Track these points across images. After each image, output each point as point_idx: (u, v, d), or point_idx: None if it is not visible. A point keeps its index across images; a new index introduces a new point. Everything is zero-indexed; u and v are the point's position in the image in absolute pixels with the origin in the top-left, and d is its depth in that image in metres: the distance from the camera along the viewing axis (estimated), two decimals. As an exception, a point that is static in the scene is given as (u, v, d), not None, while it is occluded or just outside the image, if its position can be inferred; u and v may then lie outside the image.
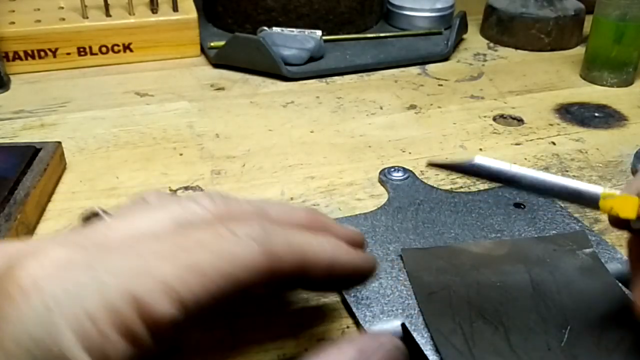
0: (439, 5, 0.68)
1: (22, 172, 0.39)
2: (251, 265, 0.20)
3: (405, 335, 0.29)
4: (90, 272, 0.18)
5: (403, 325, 0.29)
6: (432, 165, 0.26)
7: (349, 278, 0.25)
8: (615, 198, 0.25)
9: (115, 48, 0.60)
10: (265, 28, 0.62)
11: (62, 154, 0.43)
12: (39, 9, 0.60)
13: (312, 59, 0.60)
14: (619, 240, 0.36)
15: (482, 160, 0.25)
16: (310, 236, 0.23)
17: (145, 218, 0.21)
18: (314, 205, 0.39)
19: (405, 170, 0.42)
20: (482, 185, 0.42)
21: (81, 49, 0.59)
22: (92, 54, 0.60)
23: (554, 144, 0.48)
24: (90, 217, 0.24)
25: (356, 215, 0.37)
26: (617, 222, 0.26)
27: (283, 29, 0.62)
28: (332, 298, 0.32)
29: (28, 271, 0.17)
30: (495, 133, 0.49)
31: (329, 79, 0.59)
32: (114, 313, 0.17)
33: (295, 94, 0.56)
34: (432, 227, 0.36)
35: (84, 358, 0.17)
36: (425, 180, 0.41)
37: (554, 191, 0.25)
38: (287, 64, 0.58)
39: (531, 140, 0.48)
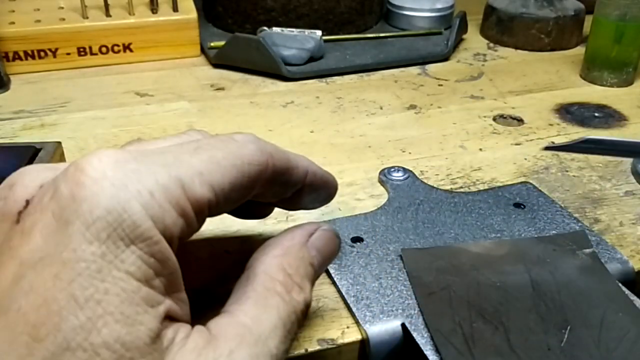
0: (439, 5, 0.68)
1: (22, 172, 0.39)
2: (254, 159, 0.23)
3: (405, 335, 0.29)
4: (141, 164, 0.21)
5: (403, 325, 0.29)
6: (548, 149, 0.32)
7: (320, 190, 0.29)
8: None
9: (115, 48, 0.60)
10: (265, 28, 0.62)
11: (62, 154, 0.43)
12: (38, 9, 0.60)
13: (312, 59, 0.60)
14: (619, 240, 0.36)
15: (593, 137, 0.30)
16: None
17: (165, 141, 0.25)
18: (314, 205, 0.39)
19: (405, 170, 0.42)
20: (482, 185, 0.42)
21: (81, 49, 0.59)
22: (92, 54, 0.60)
23: (554, 144, 0.48)
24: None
25: (356, 215, 0.37)
26: None
27: (283, 29, 0.62)
28: (332, 298, 0.32)
29: (92, 165, 0.20)
30: (495, 133, 0.49)
31: (329, 79, 0.59)
32: (168, 191, 0.20)
33: (295, 94, 0.56)
34: (432, 227, 0.36)
35: (148, 221, 0.20)
36: (425, 181, 0.41)
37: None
38: (287, 64, 0.58)
39: (531, 140, 0.48)
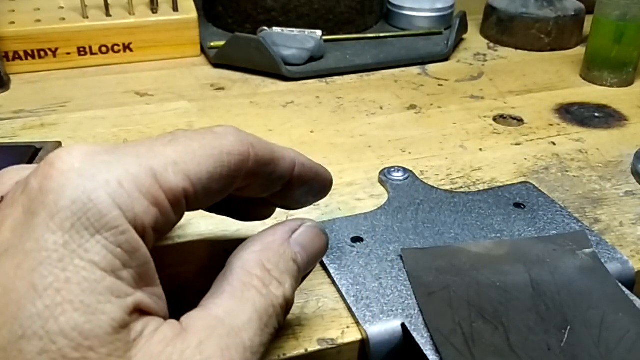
0: (439, 5, 0.68)
1: (22, 172, 0.39)
2: (233, 149, 0.23)
3: (405, 335, 0.29)
4: (112, 155, 0.21)
5: (403, 325, 0.29)
6: None
7: (312, 182, 0.28)
8: None
9: (115, 48, 0.60)
10: (265, 28, 0.62)
11: (62, 153, 0.43)
12: (39, 9, 0.60)
13: (312, 58, 0.60)
14: (619, 240, 0.36)
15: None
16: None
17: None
18: (314, 205, 0.39)
19: (405, 170, 0.42)
20: (482, 185, 0.42)
21: (81, 49, 0.59)
22: (92, 53, 0.60)
23: (554, 144, 0.48)
24: None
25: (356, 215, 0.37)
26: None
27: (283, 29, 0.62)
28: (332, 298, 0.32)
29: (61, 158, 0.20)
30: (495, 133, 0.49)
31: (329, 79, 0.59)
32: (138, 181, 0.20)
33: (295, 94, 0.56)
34: (432, 227, 0.36)
35: (116, 210, 0.19)
36: (425, 181, 0.41)
37: None
38: (287, 63, 0.58)
39: (531, 140, 0.48)
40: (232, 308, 0.22)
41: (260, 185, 0.26)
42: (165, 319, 0.21)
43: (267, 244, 0.25)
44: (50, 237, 0.19)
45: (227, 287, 0.23)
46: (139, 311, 0.20)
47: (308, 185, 0.28)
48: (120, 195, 0.20)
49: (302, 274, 0.26)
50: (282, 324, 0.24)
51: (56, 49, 0.58)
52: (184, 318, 0.22)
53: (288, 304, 0.25)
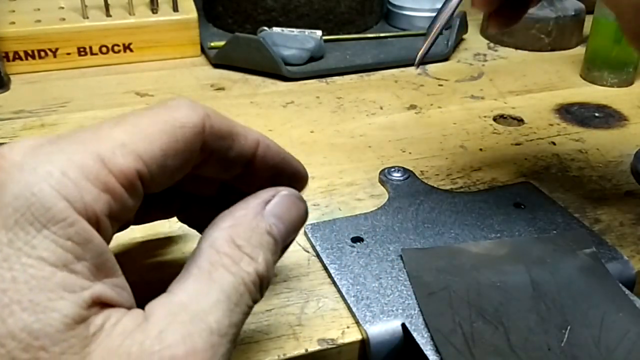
0: (438, 5, 0.68)
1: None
2: (187, 121, 0.22)
3: (406, 335, 0.29)
4: (55, 145, 0.20)
5: (403, 325, 0.29)
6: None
7: (280, 170, 0.26)
8: None
9: (116, 48, 0.60)
10: (266, 28, 0.62)
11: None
12: (39, 9, 0.60)
13: (312, 59, 0.60)
14: (619, 240, 0.36)
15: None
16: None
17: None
18: (314, 205, 0.39)
19: (405, 170, 0.42)
20: (482, 185, 0.42)
21: (81, 49, 0.59)
22: (92, 54, 0.60)
23: (554, 144, 0.48)
24: None
25: (356, 215, 0.37)
26: None
27: (283, 29, 0.62)
28: (332, 298, 0.32)
29: (3, 156, 0.19)
30: (495, 133, 0.49)
31: (329, 79, 0.59)
32: (84, 168, 0.19)
33: (295, 94, 0.56)
34: (432, 227, 0.36)
35: (61, 202, 0.19)
36: (425, 181, 0.41)
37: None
38: (287, 64, 0.58)
39: (531, 140, 0.48)
40: (197, 291, 0.21)
41: (219, 162, 0.24)
42: (131, 308, 0.21)
43: (237, 218, 0.24)
44: None
45: (194, 270, 0.22)
46: (100, 304, 0.19)
47: (274, 170, 0.26)
48: (65, 186, 0.19)
49: (280, 246, 0.25)
50: (257, 300, 0.23)
51: (56, 49, 0.58)
52: (147, 306, 0.21)
53: (263, 279, 0.23)
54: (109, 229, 0.20)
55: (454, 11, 0.35)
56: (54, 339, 0.18)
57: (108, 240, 0.20)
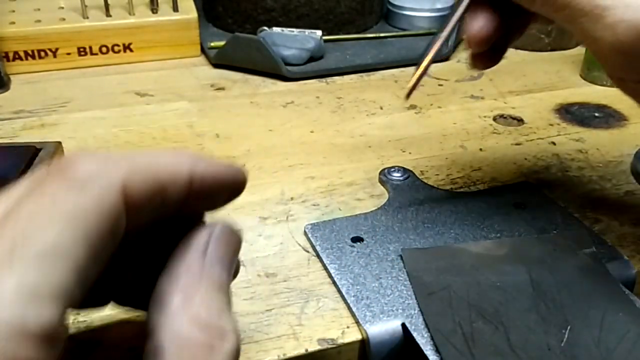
0: (438, 5, 0.68)
1: (22, 172, 0.39)
2: (101, 210, 0.18)
3: (405, 335, 0.29)
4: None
5: (403, 325, 0.29)
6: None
7: (218, 190, 0.23)
8: None
9: (116, 48, 0.60)
10: (266, 28, 0.62)
11: (63, 154, 0.43)
12: (39, 9, 0.60)
13: (312, 59, 0.60)
14: (619, 240, 0.36)
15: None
16: (159, 154, 0.21)
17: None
18: (314, 205, 0.39)
19: (405, 170, 0.42)
20: (482, 185, 0.42)
21: (81, 49, 0.59)
22: (92, 54, 0.60)
23: (554, 144, 0.48)
24: None
25: (356, 215, 0.37)
26: None
27: (283, 29, 0.62)
28: (332, 298, 0.32)
29: None
30: (495, 133, 0.49)
31: (329, 79, 0.59)
32: None
33: (295, 94, 0.56)
34: (432, 227, 0.36)
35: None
36: (425, 181, 0.41)
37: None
38: (287, 64, 0.58)
39: (531, 140, 0.48)
40: None
41: (151, 219, 0.21)
42: None
43: (186, 289, 0.20)
44: None
45: None
46: None
47: (212, 190, 0.23)
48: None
49: (228, 289, 0.22)
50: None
51: (56, 49, 0.58)
52: None
53: (238, 347, 0.20)
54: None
55: (443, 42, 0.36)
56: None
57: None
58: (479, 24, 0.33)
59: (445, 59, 0.63)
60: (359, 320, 0.30)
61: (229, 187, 0.23)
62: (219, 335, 0.19)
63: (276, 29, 0.62)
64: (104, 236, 0.18)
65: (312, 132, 0.49)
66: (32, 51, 0.58)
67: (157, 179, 0.20)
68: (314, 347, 0.29)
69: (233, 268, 0.22)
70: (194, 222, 0.23)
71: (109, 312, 0.29)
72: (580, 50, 0.64)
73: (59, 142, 0.43)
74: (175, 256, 0.21)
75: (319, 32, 0.61)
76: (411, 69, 0.61)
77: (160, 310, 0.19)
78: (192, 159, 0.21)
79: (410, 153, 0.46)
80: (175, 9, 0.61)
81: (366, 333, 0.29)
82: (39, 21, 0.58)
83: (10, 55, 0.57)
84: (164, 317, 0.19)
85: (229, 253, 0.22)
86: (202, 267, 0.21)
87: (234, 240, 0.23)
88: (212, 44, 0.62)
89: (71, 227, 0.17)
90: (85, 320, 0.29)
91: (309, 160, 0.44)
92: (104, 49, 0.60)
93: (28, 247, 0.16)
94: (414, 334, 0.29)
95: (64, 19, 0.59)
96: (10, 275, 0.16)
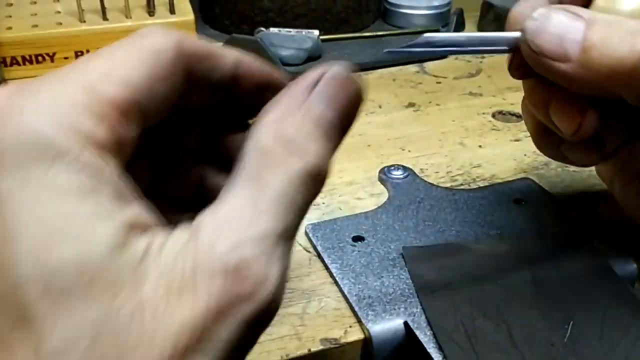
0: (435, 3, 0.68)
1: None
2: (161, 46, 0.21)
3: (408, 333, 0.29)
4: (41, 84, 0.19)
5: (405, 323, 0.29)
6: (389, 52, 0.28)
7: (267, 85, 0.24)
8: None
9: (113, 51, 0.60)
10: (263, 29, 0.62)
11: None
12: (36, 14, 0.60)
13: (310, 58, 0.60)
14: (619, 236, 0.36)
15: (433, 35, 0.27)
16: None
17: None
18: (314, 205, 0.39)
19: (405, 168, 0.42)
20: (482, 182, 0.42)
21: (79, 53, 0.59)
22: (89, 57, 0.60)
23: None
24: None
25: (357, 214, 0.37)
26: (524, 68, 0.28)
27: (280, 29, 0.62)
28: (334, 297, 0.32)
29: None
30: (494, 129, 0.49)
31: (327, 79, 0.59)
32: (75, 101, 0.19)
33: (294, 94, 0.56)
34: (433, 225, 0.36)
35: (59, 134, 0.18)
36: (425, 178, 0.41)
37: (476, 43, 0.27)
38: (285, 64, 0.58)
39: (530, 136, 0.48)
40: (246, 197, 0.19)
41: (203, 89, 0.23)
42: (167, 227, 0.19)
43: (282, 111, 0.21)
44: (2, 184, 0.17)
45: (242, 175, 0.20)
46: (137, 228, 0.18)
47: (260, 86, 0.24)
48: (61, 120, 0.18)
49: (335, 132, 0.23)
50: (316, 195, 0.21)
51: (54, 54, 0.58)
52: (195, 221, 0.19)
53: (319, 171, 0.21)
54: (117, 158, 0.19)
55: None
56: (102, 269, 0.17)
57: (117, 171, 0.19)
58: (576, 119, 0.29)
59: (443, 56, 0.63)
60: (362, 320, 0.30)
61: (273, 87, 0.24)
62: (299, 154, 0.20)
63: (273, 30, 0.62)
64: (165, 66, 0.21)
65: (311, 132, 0.49)
66: (30, 56, 0.58)
67: (208, 48, 0.23)
68: (316, 347, 0.29)
69: (342, 117, 0.23)
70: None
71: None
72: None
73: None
74: (283, 90, 0.22)
75: (316, 32, 0.61)
76: (410, 67, 0.61)
77: (254, 125, 0.21)
78: (241, 53, 0.24)
79: (409, 151, 0.46)
80: (172, 11, 0.61)
81: (369, 332, 0.29)
82: (36, 26, 0.58)
83: (8, 60, 0.57)
84: (255, 129, 0.21)
85: (340, 96, 0.22)
86: (304, 98, 0.21)
87: (347, 86, 0.23)
88: (210, 46, 0.62)
89: (139, 54, 0.21)
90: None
91: (309, 160, 0.44)
92: (101, 53, 0.60)
93: (114, 59, 0.21)
94: (417, 332, 0.29)
95: (60, 24, 0.59)
96: (98, 64, 0.20)
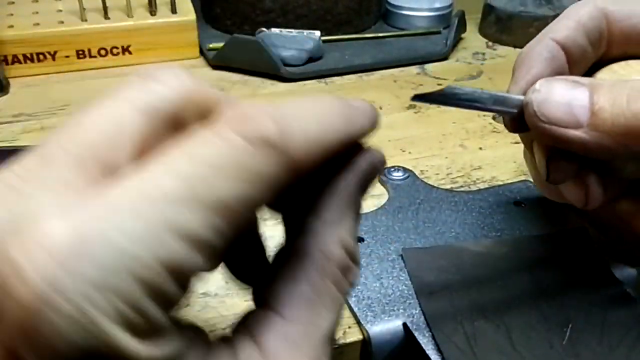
0: (437, 5, 0.68)
1: (22, 175, 0.39)
2: (272, 180, 0.17)
3: (407, 334, 0.29)
4: (103, 246, 0.14)
5: (404, 324, 0.29)
6: (416, 98, 0.27)
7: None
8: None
9: (114, 50, 0.60)
10: (264, 29, 0.62)
11: (62, 157, 0.43)
12: (37, 12, 0.60)
13: (311, 59, 0.60)
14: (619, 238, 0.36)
15: (456, 87, 0.27)
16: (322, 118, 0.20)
17: (98, 116, 0.17)
18: (315, 205, 0.39)
19: (405, 170, 0.42)
20: (482, 184, 0.42)
21: (80, 52, 0.59)
22: (91, 56, 0.60)
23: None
24: None
25: (357, 215, 0.37)
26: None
27: (281, 30, 0.62)
28: (333, 298, 0.32)
29: (31, 265, 0.14)
30: (494, 132, 0.49)
31: (328, 80, 0.59)
32: (147, 285, 0.15)
33: (295, 94, 0.56)
34: (433, 227, 0.36)
35: (129, 341, 0.15)
36: (425, 180, 0.41)
37: (485, 100, 0.27)
38: (286, 64, 0.58)
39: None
40: (311, 314, 0.19)
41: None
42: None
43: (340, 210, 0.20)
44: None
45: (304, 285, 0.19)
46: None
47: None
48: (129, 319, 0.15)
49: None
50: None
51: (55, 52, 0.58)
52: (258, 334, 0.18)
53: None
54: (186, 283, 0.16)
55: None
56: None
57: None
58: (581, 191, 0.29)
59: (444, 58, 0.63)
60: (361, 321, 0.30)
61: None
62: (354, 261, 0.20)
63: (274, 30, 0.62)
64: (258, 205, 0.17)
65: (311, 132, 0.49)
66: (31, 54, 0.58)
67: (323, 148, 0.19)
68: (315, 347, 0.29)
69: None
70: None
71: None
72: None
73: (59, 145, 0.43)
74: (334, 183, 0.21)
75: (317, 33, 0.61)
76: (411, 68, 0.61)
77: (315, 219, 0.20)
78: (345, 122, 0.21)
79: (410, 153, 0.46)
80: (174, 10, 0.61)
81: (368, 333, 0.29)
82: (37, 24, 0.58)
83: (9, 58, 0.57)
84: (316, 224, 0.20)
85: (371, 185, 0.23)
86: (355, 194, 0.21)
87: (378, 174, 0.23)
88: (211, 46, 0.62)
89: (241, 192, 0.16)
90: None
91: (309, 160, 0.44)
92: (102, 52, 0.60)
93: (205, 192, 0.16)
94: (416, 334, 0.29)
95: (62, 22, 0.59)
96: (183, 215, 0.15)
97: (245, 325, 0.19)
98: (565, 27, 0.31)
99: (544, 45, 0.31)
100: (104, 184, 0.15)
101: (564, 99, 0.26)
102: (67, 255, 0.14)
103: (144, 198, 0.15)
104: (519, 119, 0.28)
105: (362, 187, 0.22)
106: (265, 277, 0.20)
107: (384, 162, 0.24)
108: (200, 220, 0.15)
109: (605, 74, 0.31)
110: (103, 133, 0.17)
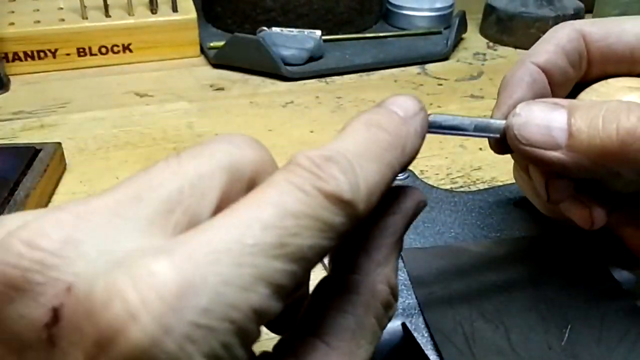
0: (438, 5, 0.68)
1: (22, 173, 0.39)
2: (342, 231, 0.18)
3: (406, 334, 0.29)
4: (206, 290, 0.15)
5: (403, 324, 0.29)
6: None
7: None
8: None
9: (115, 48, 0.60)
10: (265, 28, 0.62)
11: (62, 154, 0.44)
12: (38, 10, 0.60)
13: (311, 58, 0.60)
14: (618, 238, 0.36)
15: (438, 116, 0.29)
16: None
17: (187, 165, 0.18)
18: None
19: (405, 170, 0.42)
20: (482, 184, 0.42)
21: (81, 50, 0.59)
22: (91, 54, 0.60)
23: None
24: None
25: (356, 215, 0.37)
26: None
27: (282, 29, 0.62)
28: (332, 298, 0.32)
29: (143, 304, 0.14)
30: (495, 132, 0.49)
31: (328, 79, 0.59)
32: (238, 328, 0.15)
33: (295, 94, 0.56)
34: (432, 227, 0.36)
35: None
36: (425, 180, 0.41)
37: (467, 127, 0.29)
38: (286, 64, 0.58)
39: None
40: (354, 346, 0.20)
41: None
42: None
43: (388, 251, 0.22)
44: None
45: (351, 318, 0.20)
46: None
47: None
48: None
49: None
50: None
51: (56, 50, 0.58)
52: (302, 358, 0.19)
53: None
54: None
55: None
56: None
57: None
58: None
59: (445, 58, 0.63)
60: (360, 320, 0.30)
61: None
62: (395, 297, 0.21)
63: (275, 29, 0.62)
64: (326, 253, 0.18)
65: (311, 132, 0.49)
66: (32, 52, 0.58)
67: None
68: (314, 347, 0.29)
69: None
70: None
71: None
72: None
73: (59, 143, 0.43)
74: (386, 218, 0.23)
75: (318, 32, 0.61)
76: (411, 68, 0.61)
77: (366, 259, 0.21)
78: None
79: (410, 153, 0.46)
80: (175, 9, 0.61)
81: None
82: (38, 22, 0.58)
83: (10, 56, 0.57)
84: (370, 267, 0.21)
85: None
86: (401, 235, 0.23)
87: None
88: (212, 44, 0.62)
89: (317, 241, 0.17)
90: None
91: (309, 160, 0.44)
92: (103, 50, 0.60)
93: (280, 245, 0.16)
94: (415, 334, 0.29)
95: (63, 20, 0.59)
96: (264, 265, 0.16)
97: (290, 347, 0.20)
98: (545, 50, 0.33)
99: (525, 70, 0.33)
100: (193, 231, 0.16)
101: (543, 122, 0.27)
102: (176, 297, 0.14)
103: (239, 247, 0.16)
104: (502, 142, 0.29)
105: (407, 227, 0.23)
106: (308, 304, 0.21)
107: (426, 202, 0.25)
108: (286, 270, 0.16)
109: (587, 94, 0.31)
110: (190, 182, 0.18)
